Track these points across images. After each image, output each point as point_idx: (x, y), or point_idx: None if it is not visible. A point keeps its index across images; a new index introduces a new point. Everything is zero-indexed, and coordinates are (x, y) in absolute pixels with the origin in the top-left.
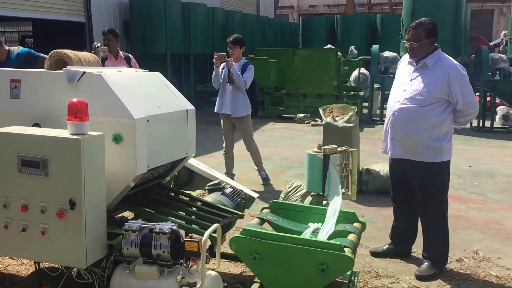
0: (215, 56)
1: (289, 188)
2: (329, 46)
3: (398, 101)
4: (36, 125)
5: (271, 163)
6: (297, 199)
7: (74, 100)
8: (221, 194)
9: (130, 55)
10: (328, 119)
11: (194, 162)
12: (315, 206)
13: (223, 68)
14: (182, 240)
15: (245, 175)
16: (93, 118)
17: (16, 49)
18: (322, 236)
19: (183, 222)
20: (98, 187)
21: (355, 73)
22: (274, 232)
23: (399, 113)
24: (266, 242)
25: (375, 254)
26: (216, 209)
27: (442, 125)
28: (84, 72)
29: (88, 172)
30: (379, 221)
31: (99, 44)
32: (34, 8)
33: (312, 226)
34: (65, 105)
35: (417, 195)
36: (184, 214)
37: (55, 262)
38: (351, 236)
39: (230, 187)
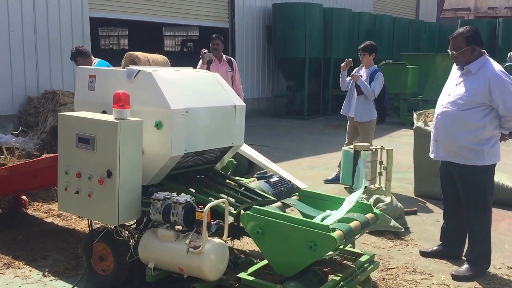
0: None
1: None
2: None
3: (442, 105)
4: (104, 112)
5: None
6: (365, 197)
7: (119, 91)
8: (265, 181)
9: (232, 58)
10: (419, 124)
11: (253, 154)
12: (337, 196)
13: (354, 73)
14: (194, 210)
15: None
16: (142, 107)
17: (96, 61)
18: (329, 221)
19: (211, 199)
20: (132, 162)
21: None
22: (275, 211)
23: (441, 116)
24: (267, 219)
25: (424, 254)
26: (252, 193)
27: (483, 130)
28: (139, 71)
29: (123, 149)
30: None
31: (206, 51)
32: (189, 16)
33: (325, 212)
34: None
35: (461, 196)
36: (220, 194)
37: (97, 219)
38: (353, 223)
39: (277, 177)
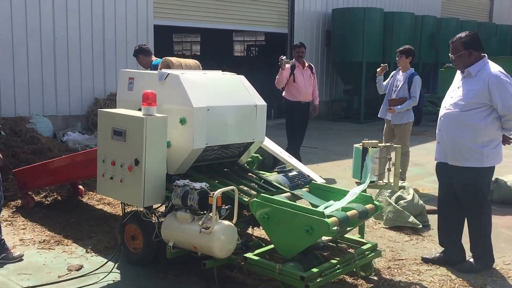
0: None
1: None
2: None
3: (445, 107)
4: (139, 109)
5: (418, 169)
6: (387, 195)
7: (148, 91)
8: (283, 175)
9: (311, 64)
10: None
11: (277, 150)
12: (343, 189)
13: (391, 77)
14: (207, 196)
15: None
16: (171, 105)
17: (154, 60)
18: (330, 210)
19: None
20: (157, 152)
21: None
22: (279, 199)
23: (444, 118)
24: (272, 206)
25: (426, 260)
26: (269, 185)
27: (484, 130)
28: (168, 74)
29: (149, 141)
30: None
31: (284, 57)
32: (251, 22)
33: (329, 202)
34: (159, 95)
35: (459, 198)
36: (240, 186)
37: (127, 201)
38: (350, 212)
39: (296, 171)
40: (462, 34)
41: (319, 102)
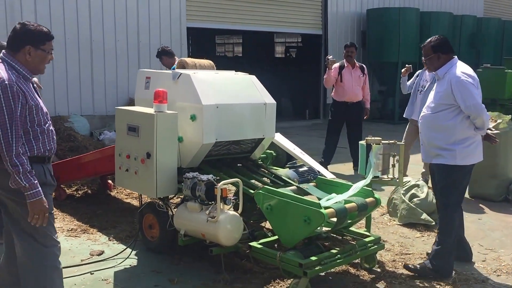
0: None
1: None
2: None
3: (423, 111)
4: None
5: None
6: (402, 192)
7: (159, 89)
8: (294, 170)
9: (363, 65)
10: None
11: (291, 147)
12: (346, 183)
13: (417, 76)
14: (213, 187)
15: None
16: (183, 103)
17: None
18: (330, 202)
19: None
20: (168, 147)
21: None
22: (281, 191)
23: (421, 121)
24: (275, 197)
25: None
26: (278, 179)
27: (455, 130)
28: (180, 73)
29: (159, 136)
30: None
31: (330, 57)
32: (287, 25)
33: (331, 195)
34: (170, 94)
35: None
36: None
37: (141, 192)
38: (349, 205)
39: (306, 167)
40: (432, 38)
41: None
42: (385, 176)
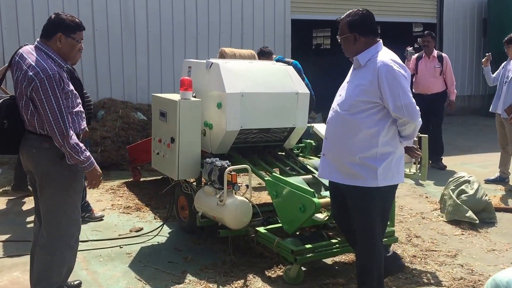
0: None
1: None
2: None
3: (332, 109)
4: (194, 96)
5: None
6: (451, 188)
7: (185, 77)
8: None
9: (443, 54)
10: None
11: None
12: None
13: (502, 67)
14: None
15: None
16: (212, 91)
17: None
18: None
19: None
20: (191, 132)
21: None
22: (285, 179)
23: (330, 123)
24: (279, 184)
25: None
26: (302, 169)
27: (377, 139)
28: (212, 63)
29: (182, 122)
30: None
31: (410, 48)
32: (400, 13)
33: None
34: (204, 82)
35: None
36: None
37: (167, 174)
38: None
39: None
40: (351, 12)
41: (473, 96)
42: (407, 170)
